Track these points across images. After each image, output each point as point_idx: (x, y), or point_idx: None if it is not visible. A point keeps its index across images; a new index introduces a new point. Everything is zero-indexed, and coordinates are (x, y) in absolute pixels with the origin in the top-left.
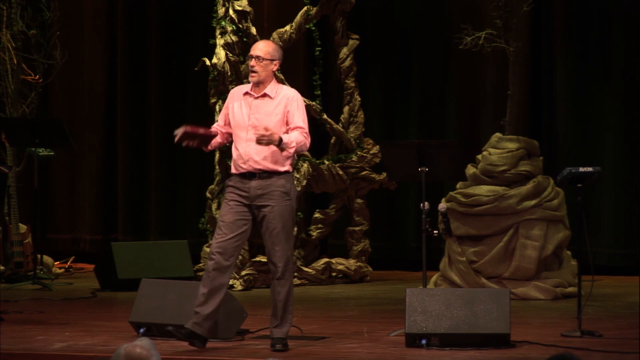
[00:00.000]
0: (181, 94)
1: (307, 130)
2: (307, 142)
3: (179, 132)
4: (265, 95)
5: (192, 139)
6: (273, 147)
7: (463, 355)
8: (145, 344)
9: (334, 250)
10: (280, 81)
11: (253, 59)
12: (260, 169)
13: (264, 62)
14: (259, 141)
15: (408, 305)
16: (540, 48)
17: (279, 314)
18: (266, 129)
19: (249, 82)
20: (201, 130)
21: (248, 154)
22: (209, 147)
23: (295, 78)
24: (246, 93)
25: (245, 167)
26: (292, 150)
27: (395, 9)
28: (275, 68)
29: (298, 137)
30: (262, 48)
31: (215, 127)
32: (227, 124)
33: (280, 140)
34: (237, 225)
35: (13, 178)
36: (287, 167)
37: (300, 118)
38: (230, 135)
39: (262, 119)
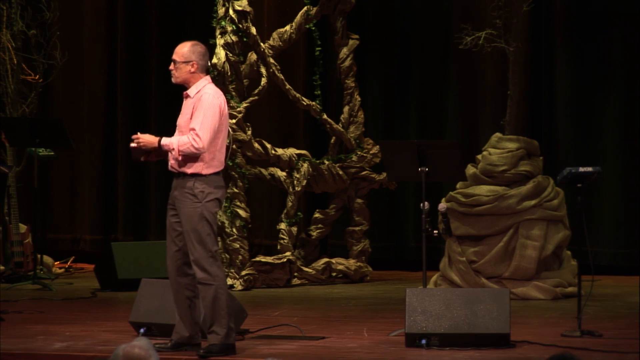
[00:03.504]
0: (181, 94)
1: (200, 131)
2: (196, 143)
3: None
4: (187, 96)
5: (144, 153)
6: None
7: (463, 355)
8: (144, 344)
9: (334, 250)
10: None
11: (172, 62)
12: (177, 170)
13: (178, 64)
14: (137, 144)
15: (408, 305)
16: (540, 48)
17: (207, 320)
18: (137, 136)
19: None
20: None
21: (173, 153)
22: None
23: (295, 78)
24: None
25: (170, 165)
26: (174, 153)
27: (395, 9)
28: (192, 69)
29: (182, 139)
30: (177, 50)
31: None
32: None
33: (159, 143)
34: (174, 229)
35: (13, 178)
36: (197, 170)
37: (198, 119)
38: None
39: (181, 119)
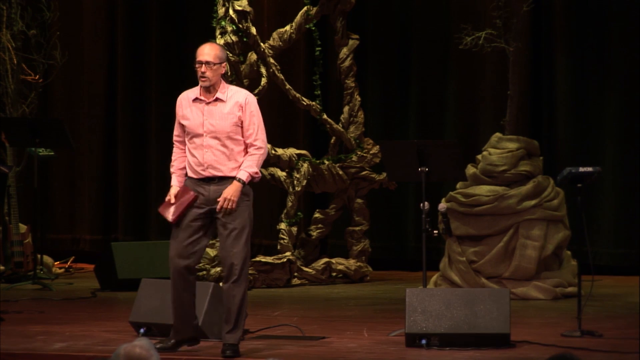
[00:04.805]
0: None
1: (261, 140)
2: (264, 152)
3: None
4: (217, 99)
5: (184, 215)
6: (230, 154)
7: (463, 355)
8: (145, 343)
9: (334, 250)
10: (228, 82)
11: (203, 65)
12: (218, 175)
13: (215, 66)
14: (227, 214)
15: (408, 305)
16: (540, 48)
17: (232, 319)
18: (221, 201)
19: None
20: (185, 204)
21: (207, 161)
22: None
23: (295, 78)
24: (196, 99)
25: (205, 174)
26: (258, 176)
27: (395, 9)
28: (224, 70)
29: (253, 160)
30: (210, 52)
31: (176, 144)
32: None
33: (243, 183)
34: (195, 231)
35: (13, 178)
36: None
37: (253, 127)
38: None
39: (217, 124)
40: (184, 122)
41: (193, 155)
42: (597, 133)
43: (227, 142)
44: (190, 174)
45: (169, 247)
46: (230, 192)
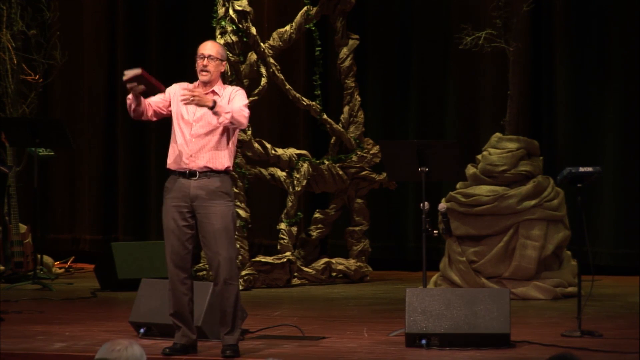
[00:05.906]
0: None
1: (247, 112)
2: (245, 114)
3: (131, 73)
4: (213, 92)
5: (142, 83)
6: (217, 146)
7: (463, 355)
8: (131, 340)
9: (334, 250)
10: (228, 83)
11: (205, 58)
12: (202, 167)
13: (216, 61)
14: (190, 100)
15: (408, 305)
16: (540, 48)
17: (229, 320)
18: (193, 92)
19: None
20: (153, 80)
21: (192, 150)
22: (141, 110)
23: (295, 78)
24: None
25: (187, 162)
26: (227, 116)
27: (395, 9)
28: (223, 69)
29: (235, 107)
30: (212, 48)
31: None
32: (158, 106)
33: (214, 104)
34: (184, 232)
35: (13, 178)
36: (227, 165)
37: (240, 102)
38: (157, 113)
39: (207, 114)
40: (173, 109)
41: (178, 144)
42: (597, 133)
43: (215, 134)
44: (172, 165)
45: (165, 255)
46: (202, 96)
